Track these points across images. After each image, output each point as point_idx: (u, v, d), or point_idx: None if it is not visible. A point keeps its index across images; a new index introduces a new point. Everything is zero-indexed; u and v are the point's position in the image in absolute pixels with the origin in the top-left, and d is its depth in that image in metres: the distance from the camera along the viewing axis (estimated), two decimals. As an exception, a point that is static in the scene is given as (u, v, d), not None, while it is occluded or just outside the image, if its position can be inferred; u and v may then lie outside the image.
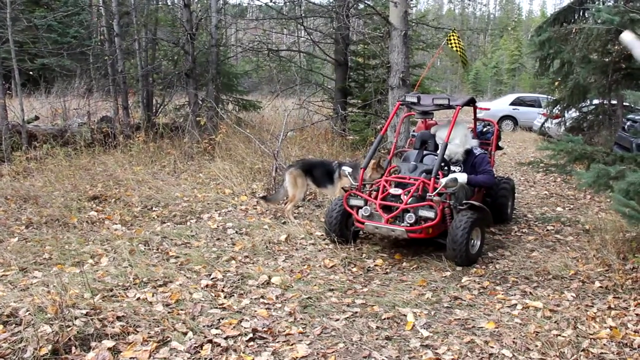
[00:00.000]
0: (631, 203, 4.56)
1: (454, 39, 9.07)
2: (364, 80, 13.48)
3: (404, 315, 4.41)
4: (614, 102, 11.48)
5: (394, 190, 5.76)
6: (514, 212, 7.68)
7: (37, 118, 12.69)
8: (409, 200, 5.59)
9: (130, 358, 3.58)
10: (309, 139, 11.14)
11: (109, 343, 3.67)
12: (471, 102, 6.69)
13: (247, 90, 17.78)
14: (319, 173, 7.22)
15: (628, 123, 10.02)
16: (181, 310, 4.29)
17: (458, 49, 9.07)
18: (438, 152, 6.03)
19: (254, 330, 4.02)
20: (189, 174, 9.38)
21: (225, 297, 4.63)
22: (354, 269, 5.46)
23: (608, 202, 8.06)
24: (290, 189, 7.11)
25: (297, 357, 3.70)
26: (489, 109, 20.15)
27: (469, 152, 6.47)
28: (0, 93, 10.07)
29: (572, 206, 8.32)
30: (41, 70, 18.82)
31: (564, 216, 7.61)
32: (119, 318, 4.02)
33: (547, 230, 6.99)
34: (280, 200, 7.37)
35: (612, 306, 4.58)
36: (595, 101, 11.96)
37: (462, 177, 6.11)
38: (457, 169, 6.48)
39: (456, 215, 5.60)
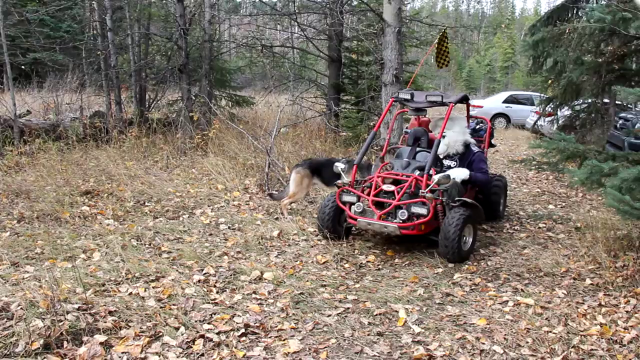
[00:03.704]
0: (625, 198, 4.58)
1: (445, 38, 9.07)
2: (357, 77, 13.49)
3: (396, 311, 4.43)
4: (606, 100, 11.53)
5: (386, 187, 5.77)
6: (506, 209, 7.71)
7: (29, 112, 12.61)
8: (402, 196, 5.60)
9: (122, 353, 3.58)
10: (302, 135, 11.13)
11: (101, 337, 3.66)
12: (464, 100, 6.70)
13: (241, 86, 17.75)
14: (328, 172, 7.17)
15: (620, 121, 10.07)
16: (173, 305, 4.29)
17: (444, 49, 9.04)
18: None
19: (246, 326, 4.02)
20: (181, 170, 9.36)
21: (217, 293, 4.63)
22: (347, 265, 5.47)
23: (600, 200, 8.11)
24: (293, 186, 7.08)
25: (289, 353, 3.71)
26: (482, 107, 20.34)
27: (467, 147, 6.50)
28: (-8, 87, 10.01)
29: (563, 204, 8.36)
30: (33, 65, 18.73)
31: (556, 214, 7.65)
32: (111, 313, 4.02)
33: (539, 227, 7.03)
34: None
35: (603, 303, 4.61)
36: (588, 100, 12.00)
37: (464, 173, 6.13)
38: (452, 163, 6.51)
39: (448, 212, 5.62)
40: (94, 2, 15.12)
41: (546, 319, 4.33)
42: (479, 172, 6.35)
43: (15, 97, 10.53)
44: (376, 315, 4.36)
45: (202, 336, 3.83)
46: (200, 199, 7.64)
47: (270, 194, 7.61)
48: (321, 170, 7.18)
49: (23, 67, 16.64)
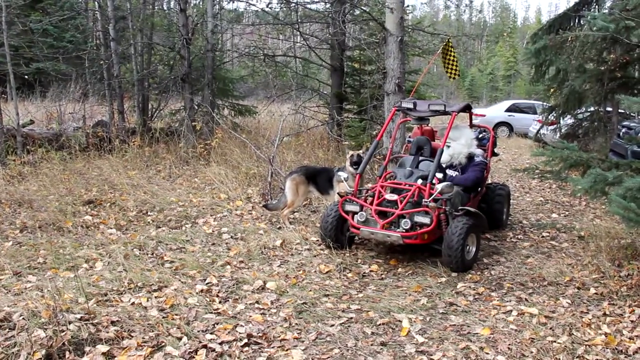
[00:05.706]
0: (631, 205, 4.56)
1: (450, 48, 9.09)
2: (359, 86, 13.50)
3: (399, 321, 4.41)
4: (609, 109, 11.52)
5: (389, 196, 5.76)
6: (510, 218, 7.69)
7: (32, 122, 12.63)
8: (405, 206, 5.59)
9: (125, 363, 3.57)
10: (304, 144, 11.15)
11: (103, 348, 3.65)
12: (467, 109, 6.70)
13: (243, 95, 17.76)
14: (322, 180, 7.16)
15: (623, 130, 10.05)
16: (176, 315, 4.27)
17: (452, 59, 9.06)
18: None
19: (249, 336, 4.01)
20: (184, 179, 9.37)
21: (220, 302, 4.62)
22: (350, 275, 5.45)
23: (603, 209, 8.09)
24: (290, 195, 7.06)
25: (292, 363, 3.70)
26: (484, 116, 20.37)
27: (470, 158, 6.48)
28: (-4, 97, 10.05)
29: (567, 213, 8.34)
30: (37, 74, 18.83)
31: (559, 223, 7.62)
32: (113, 323, 4.01)
33: (543, 236, 7.00)
34: (281, 208, 7.31)
35: (607, 313, 4.59)
36: (591, 108, 11.99)
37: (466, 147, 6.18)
38: (455, 173, 6.49)
39: (452, 221, 5.60)
40: (97, 12, 15.16)
41: (550, 328, 4.30)
42: (470, 174, 6.37)
43: (19, 107, 10.56)
44: (379, 325, 4.34)
45: (205, 346, 3.82)
46: (203, 209, 7.64)
47: (264, 205, 7.52)
48: (316, 178, 7.17)
49: (26, 76, 16.72)
